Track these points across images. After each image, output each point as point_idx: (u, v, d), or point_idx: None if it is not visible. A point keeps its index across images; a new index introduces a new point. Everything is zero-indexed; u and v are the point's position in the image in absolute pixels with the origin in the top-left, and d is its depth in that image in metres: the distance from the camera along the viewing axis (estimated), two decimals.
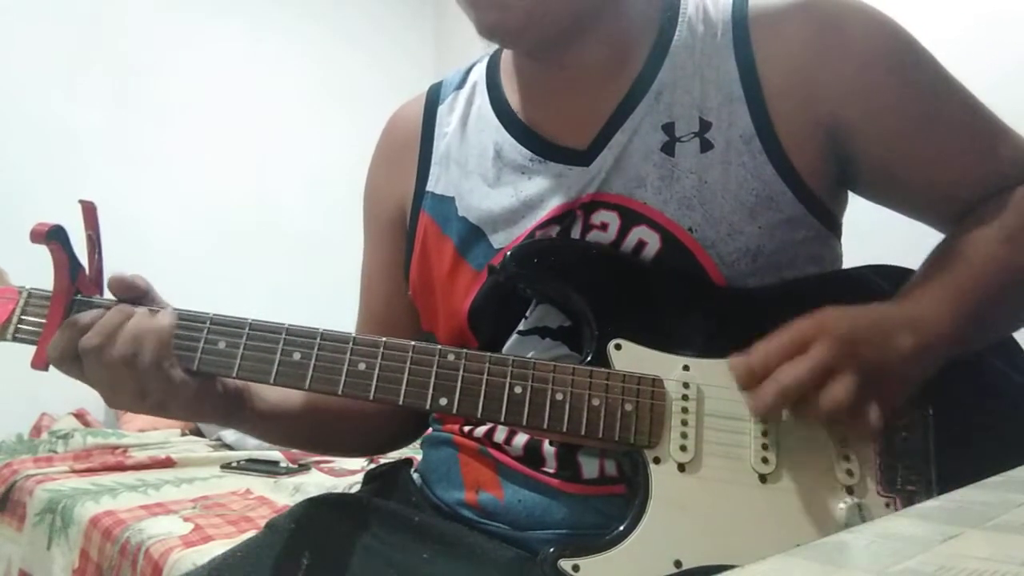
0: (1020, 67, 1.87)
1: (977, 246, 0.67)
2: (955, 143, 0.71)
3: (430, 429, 0.81)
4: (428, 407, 0.63)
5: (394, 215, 0.83)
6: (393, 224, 0.83)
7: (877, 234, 1.01)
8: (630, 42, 0.74)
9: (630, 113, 0.71)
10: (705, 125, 0.70)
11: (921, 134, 0.70)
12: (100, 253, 0.69)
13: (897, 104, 0.70)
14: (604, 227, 0.69)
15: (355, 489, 0.84)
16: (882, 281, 0.69)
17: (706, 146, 0.69)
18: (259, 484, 1.84)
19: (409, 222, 0.80)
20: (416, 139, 0.82)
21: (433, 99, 0.84)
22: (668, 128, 0.70)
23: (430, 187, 0.79)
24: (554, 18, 0.69)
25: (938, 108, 0.71)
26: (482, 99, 0.80)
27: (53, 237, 0.65)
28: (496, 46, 0.85)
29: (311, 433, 0.83)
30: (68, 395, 2.34)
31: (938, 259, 0.68)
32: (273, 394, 0.75)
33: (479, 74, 0.83)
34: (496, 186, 0.74)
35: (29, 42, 2.48)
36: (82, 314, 0.65)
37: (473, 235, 0.74)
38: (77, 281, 0.67)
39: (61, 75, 2.53)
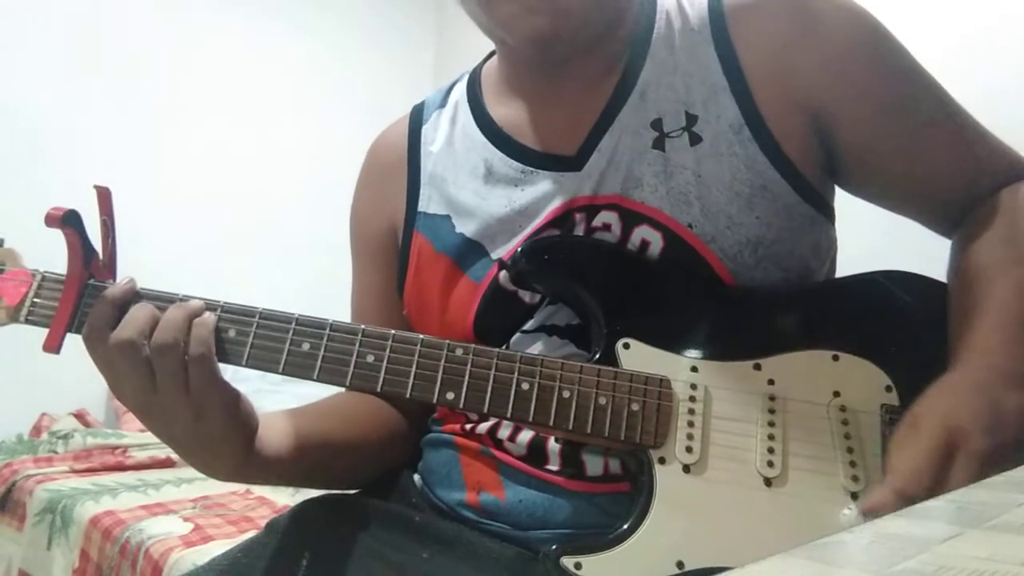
0: (1015, 77, 1.87)
1: (1007, 277, 0.63)
2: (929, 134, 0.71)
3: (429, 430, 0.81)
4: (435, 401, 0.63)
5: (385, 238, 0.83)
6: (384, 247, 0.83)
7: (870, 224, 1.01)
8: (614, 47, 0.74)
9: (616, 115, 0.72)
10: (691, 119, 0.70)
11: (896, 123, 0.71)
12: (114, 239, 0.68)
13: (872, 92, 0.70)
14: (607, 228, 0.69)
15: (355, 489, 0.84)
16: (892, 286, 0.69)
17: (695, 139, 0.69)
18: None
19: (402, 243, 0.80)
20: (403, 161, 0.82)
21: (416, 120, 0.85)
22: (656, 124, 0.71)
23: (422, 207, 0.79)
24: (588, 23, 0.70)
25: (913, 99, 0.71)
26: (466, 117, 0.80)
27: (68, 222, 0.65)
28: (472, 63, 0.85)
29: (308, 474, 0.78)
30: (68, 395, 2.34)
31: (971, 296, 0.64)
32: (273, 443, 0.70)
33: (460, 93, 0.83)
34: (489, 200, 0.74)
35: (30, 42, 2.48)
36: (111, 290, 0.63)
37: (472, 250, 0.74)
38: (91, 266, 0.67)
39: (62, 75, 2.53)
